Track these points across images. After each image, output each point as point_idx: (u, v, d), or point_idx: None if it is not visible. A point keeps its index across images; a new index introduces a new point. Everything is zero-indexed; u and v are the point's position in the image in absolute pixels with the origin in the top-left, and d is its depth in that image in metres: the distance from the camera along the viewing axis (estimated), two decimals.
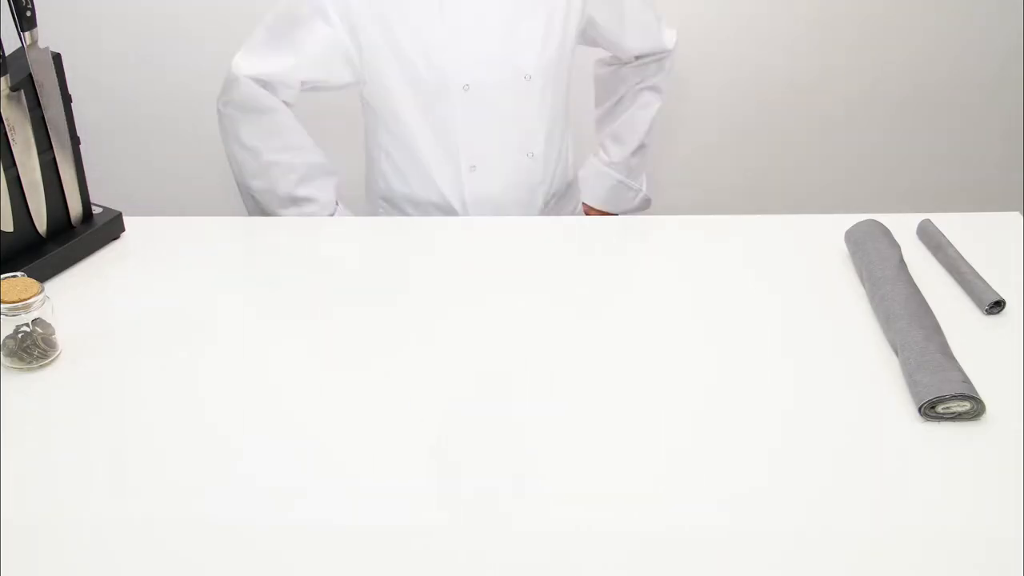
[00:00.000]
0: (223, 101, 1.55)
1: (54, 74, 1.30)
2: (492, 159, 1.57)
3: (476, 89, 1.48)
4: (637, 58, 1.74)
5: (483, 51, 1.45)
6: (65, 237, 1.35)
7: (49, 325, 1.14)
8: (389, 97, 1.52)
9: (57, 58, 1.30)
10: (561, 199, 1.72)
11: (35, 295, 1.11)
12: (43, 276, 1.28)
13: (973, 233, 1.40)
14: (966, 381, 1.04)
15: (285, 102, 1.54)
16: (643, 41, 1.69)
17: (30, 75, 1.26)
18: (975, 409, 1.03)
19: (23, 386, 1.10)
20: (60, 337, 1.15)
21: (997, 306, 1.23)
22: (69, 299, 1.25)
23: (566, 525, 0.92)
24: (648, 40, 1.69)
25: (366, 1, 1.45)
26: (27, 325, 1.12)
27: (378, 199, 1.68)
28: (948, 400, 1.03)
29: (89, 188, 1.39)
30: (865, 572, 0.87)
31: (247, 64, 1.51)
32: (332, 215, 1.61)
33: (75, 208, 1.37)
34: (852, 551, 0.89)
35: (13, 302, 1.10)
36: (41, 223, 1.32)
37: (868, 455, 1.00)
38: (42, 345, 1.13)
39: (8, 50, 1.24)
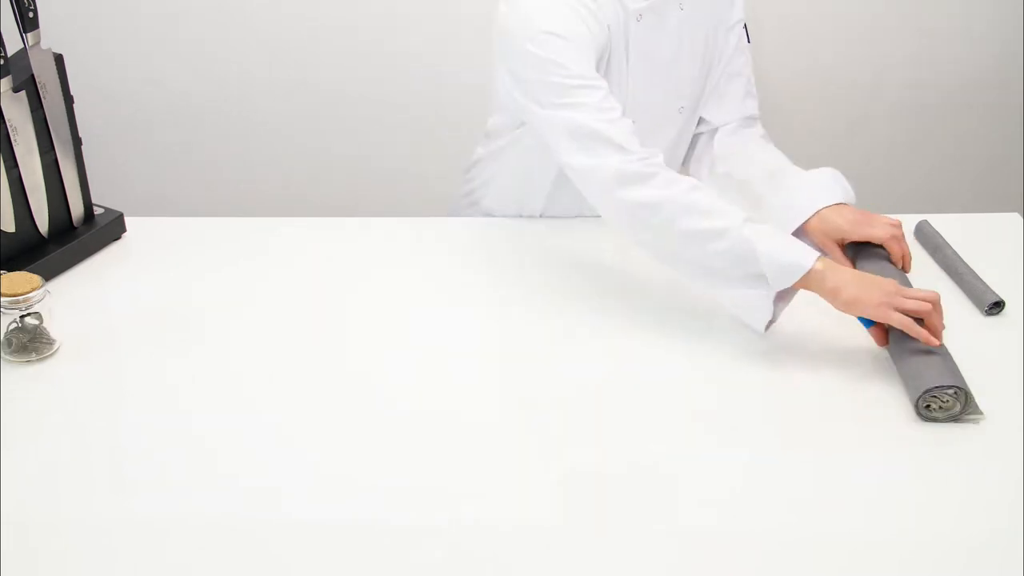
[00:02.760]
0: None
1: (56, 75, 1.30)
2: None
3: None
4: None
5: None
6: (66, 238, 1.35)
7: (46, 319, 1.14)
8: None
9: (59, 59, 1.30)
10: None
11: (34, 289, 1.12)
12: (45, 276, 1.28)
13: (972, 234, 1.40)
14: (954, 372, 1.04)
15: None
16: (725, 112, 1.44)
17: (32, 76, 1.26)
18: (967, 404, 1.03)
19: (23, 382, 1.11)
20: (61, 336, 1.16)
21: (997, 307, 1.23)
22: (70, 299, 1.25)
23: (567, 522, 0.92)
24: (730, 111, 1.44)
25: None
26: (27, 318, 1.12)
27: (467, 203, 1.58)
28: (938, 393, 1.02)
29: (91, 189, 1.40)
30: (865, 571, 0.87)
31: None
32: None
33: (76, 209, 1.38)
34: (852, 550, 0.89)
35: (13, 295, 1.11)
36: (43, 224, 1.33)
37: (866, 455, 1.00)
38: (41, 339, 1.13)
39: (10, 51, 1.24)
